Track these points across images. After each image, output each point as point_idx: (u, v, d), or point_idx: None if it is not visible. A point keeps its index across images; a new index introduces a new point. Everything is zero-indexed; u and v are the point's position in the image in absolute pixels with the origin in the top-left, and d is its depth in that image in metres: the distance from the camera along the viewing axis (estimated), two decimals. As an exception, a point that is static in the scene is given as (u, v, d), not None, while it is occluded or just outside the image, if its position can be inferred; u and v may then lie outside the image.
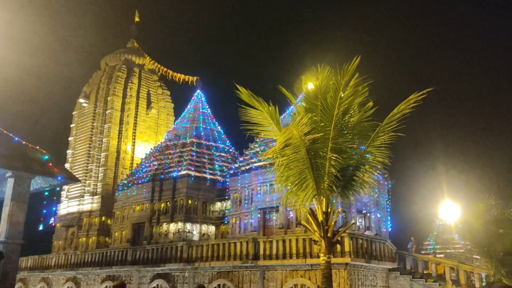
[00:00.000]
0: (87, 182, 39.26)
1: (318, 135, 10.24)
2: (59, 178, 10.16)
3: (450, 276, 15.99)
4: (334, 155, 10.24)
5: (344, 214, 20.87)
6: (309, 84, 11.37)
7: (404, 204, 34.56)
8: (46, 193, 11.97)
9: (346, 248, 15.46)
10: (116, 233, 31.65)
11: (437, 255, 23.59)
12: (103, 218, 36.75)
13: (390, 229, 24.95)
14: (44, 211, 11.75)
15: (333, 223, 10.46)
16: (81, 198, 38.91)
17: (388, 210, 25.39)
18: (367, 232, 21.03)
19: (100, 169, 38.92)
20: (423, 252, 28.17)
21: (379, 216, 23.97)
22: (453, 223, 29.16)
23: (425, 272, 17.75)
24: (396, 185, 28.15)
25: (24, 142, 9.81)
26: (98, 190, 38.30)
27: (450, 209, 29.71)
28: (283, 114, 16.47)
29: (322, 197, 10.45)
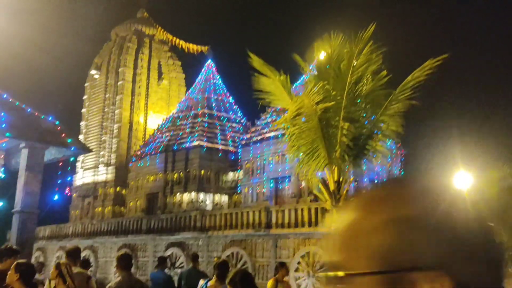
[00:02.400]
0: (101, 153, 39.76)
1: (330, 104, 10.12)
2: (72, 148, 10.28)
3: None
4: (346, 124, 10.15)
5: (356, 183, 20.89)
6: (322, 52, 11.20)
7: (418, 174, 34.38)
8: (61, 164, 12.18)
9: (358, 217, 15.56)
10: (131, 203, 32.24)
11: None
12: (118, 188, 37.37)
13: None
14: (59, 181, 12.00)
15: (344, 192, 10.48)
16: (96, 169, 39.52)
17: (401, 179, 25.31)
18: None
19: (113, 140, 39.31)
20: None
21: (391, 185, 23.91)
22: (466, 192, 29.10)
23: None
24: (409, 154, 28.02)
25: (36, 113, 9.91)
26: (112, 161, 38.80)
27: (463, 178, 29.56)
28: (295, 84, 16.30)
29: (333, 166, 10.43)
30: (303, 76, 13.02)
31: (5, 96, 9.59)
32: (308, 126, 10.27)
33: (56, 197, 12.24)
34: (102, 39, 45.90)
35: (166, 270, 19.28)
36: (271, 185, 23.69)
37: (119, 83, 40.27)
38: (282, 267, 8.28)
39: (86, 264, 8.64)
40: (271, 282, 8.36)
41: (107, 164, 38.93)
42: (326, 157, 10.29)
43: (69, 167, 11.45)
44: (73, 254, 5.13)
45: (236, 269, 4.81)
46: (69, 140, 10.01)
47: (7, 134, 9.21)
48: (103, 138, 40.30)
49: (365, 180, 21.78)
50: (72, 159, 11.44)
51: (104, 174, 38.75)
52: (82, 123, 42.43)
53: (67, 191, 12.43)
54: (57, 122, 10.08)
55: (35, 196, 9.69)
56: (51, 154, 10.60)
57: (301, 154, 10.71)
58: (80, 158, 40.12)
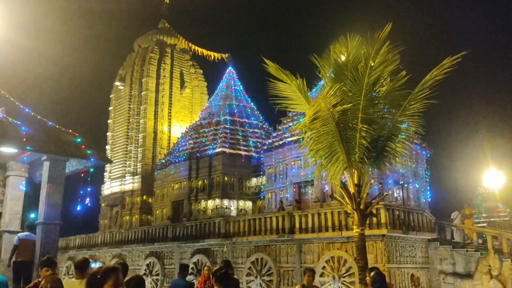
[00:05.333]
0: (127, 162, 40.46)
1: (348, 106, 9.98)
2: (92, 160, 10.49)
3: (492, 245, 15.53)
4: (365, 126, 10.00)
5: (380, 185, 20.55)
6: (339, 54, 11.08)
7: (445, 173, 33.65)
8: (85, 175, 12.42)
9: (382, 220, 15.26)
10: (157, 211, 32.62)
11: (479, 224, 22.95)
12: (144, 197, 37.92)
13: (429, 199, 24.40)
14: (82, 192, 12.28)
15: (365, 195, 10.30)
16: (123, 178, 40.20)
17: (427, 180, 24.78)
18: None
19: (139, 149, 39.94)
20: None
21: (417, 186, 23.45)
22: (497, 191, 28.23)
23: (466, 241, 17.32)
24: (436, 154, 27.37)
25: (57, 127, 10.16)
26: (138, 170, 39.41)
27: (494, 177, 28.70)
28: (313, 88, 16.19)
29: (353, 170, 10.28)
30: (322, 80, 12.87)
31: (27, 110, 9.89)
32: (325, 129, 10.15)
33: (79, 208, 12.52)
34: (125, 51, 46.93)
35: (192, 277, 19.37)
36: (294, 189, 23.55)
37: (142, 93, 40.94)
38: (308, 272, 8.27)
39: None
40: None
41: (133, 173, 39.56)
42: (345, 160, 10.15)
43: (89, 178, 11.72)
44: (81, 266, 5.21)
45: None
46: (88, 152, 10.22)
47: (28, 147, 9.48)
48: (128, 148, 40.99)
49: (390, 182, 21.40)
50: (92, 170, 11.68)
51: (131, 183, 39.38)
52: (109, 134, 43.30)
53: (87, 201, 12.64)
54: (78, 140, 10.31)
55: (58, 207, 9.92)
56: (72, 165, 10.85)
57: (320, 158, 10.61)
58: (107, 168, 40.96)
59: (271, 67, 10.66)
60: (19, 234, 9.57)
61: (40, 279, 5.08)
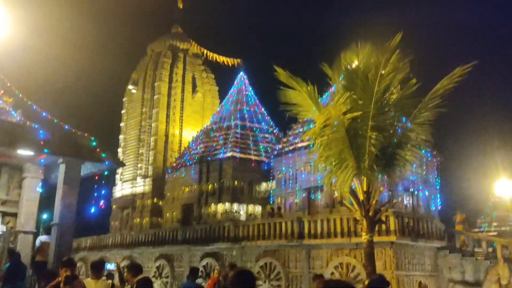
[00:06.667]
0: (138, 165, 40.83)
1: (358, 113, 10.09)
2: (107, 163, 10.75)
3: (501, 254, 15.48)
4: (374, 134, 10.11)
5: (390, 192, 20.56)
6: (349, 62, 11.20)
7: (456, 181, 33.41)
8: (97, 178, 12.69)
9: (392, 227, 15.29)
10: (168, 214, 32.88)
11: (489, 233, 22.77)
12: (155, 199, 38.20)
13: (439, 207, 24.31)
14: (96, 195, 12.53)
15: (374, 202, 10.39)
16: (134, 181, 40.57)
17: (437, 187, 24.70)
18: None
19: (150, 152, 40.29)
20: (476, 230, 27.23)
21: (427, 194, 23.39)
22: (509, 200, 27.96)
23: (475, 250, 17.26)
24: (446, 161, 27.27)
25: (73, 130, 10.44)
26: (149, 173, 39.74)
27: (506, 186, 28.45)
28: (324, 95, 16.32)
29: (362, 176, 10.37)
30: (332, 86, 12.99)
31: (44, 114, 10.18)
32: (335, 136, 10.27)
33: (92, 210, 12.79)
34: (139, 55, 47.39)
35: (201, 280, 19.52)
36: (304, 195, 23.65)
37: (155, 97, 41.35)
38: (317, 279, 8.20)
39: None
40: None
41: (145, 176, 39.91)
42: (354, 167, 10.25)
43: (103, 181, 11.97)
44: (97, 266, 5.40)
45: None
46: (103, 155, 10.48)
47: (45, 150, 9.75)
48: (140, 151, 41.38)
49: (400, 189, 21.40)
50: (106, 173, 11.92)
51: (142, 186, 39.73)
52: (121, 137, 43.75)
53: (101, 204, 12.90)
54: (93, 143, 10.59)
55: (72, 209, 10.17)
56: (87, 168, 11.11)
57: (330, 164, 10.71)
58: (119, 170, 41.36)
59: (282, 75, 10.82)
60: (40, 237, 9.86)
61: (60, 279, 5.28)
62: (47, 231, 10.26)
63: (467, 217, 20.22)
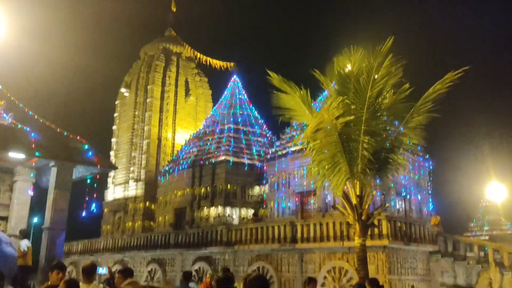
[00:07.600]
0: (131, 169, 40.62)
1: (350, 118, 10.12)
2: (98, 166, 10.66)
3: (493, 258, 15.57)
4: (367, 138, 10.13)
5: (382, 197, 20.63)
6: (342, 67, 11.24)
7: (448, 186, 33.62)
8: (89, 181, 12.59)
9: (384, 231, 15.34)
10: (160, 218, 32.69)
11: (481, 237, 22.91)
12: (147, 203, 38.00)
13: (432, 211, 24.42)
14: (87, 198, 12.41)
15: (367, 206, 10.42)
16: (126, 185, 40.35)
17: (430, 192, 24.83)
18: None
19: (142, 156, 40.11)
20: (467, 234, 27.42)
21: (419, 198, 23.50)
22: (500, 204, 28.19)
23: (467, 254, 17.35)
24: (438, 166, 27.44)
25: (65, 133, 10.35)
26: (141, 176, 39.55)
27: (497, 190, 28.68)
28: (317, 99, 16.37)
29: (355, 181, 10.40)
30: (325, 91, 13.03)
31: (36, 117, 10.09)
32: (328, 140, 10.29)
33: (84, 213, 12.67)
34: (132, 58, 47.31)
35: (193, 284, 19.41)
36: (297, 199, 23.64)
37: (148, 100, 41.22)
38: (310, 282, 8.09)
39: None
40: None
41: (137, 180, 39.71)
42: (347, 171, 10.28)
43: (95, 184, 11.87)
44: (89, 271, 5.36)
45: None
46: (95, 159, 10.39)
47: (37, 153, 9.66)
48: (133, 154, 41.17)
49: (392, 193, 21.47)
50: (97, 176, 11.84)
51: (134, 189, 39.52)
52: (113, 140, 43.52)
53: (93, 207, 12.80)
54: (85, 146, 10.51)
55: (64, 213, 10.08)
56: (79, 172, 11.02)
57: (322, 168, 10.73)
58: (111, 174, 41.12)
59: (275, 79, 10.86)
60: (25, 242, 9.73)
61: (50, 283, 5.22)
62: (26, 235, 10.12)
63: (441, 220, 20.41)
